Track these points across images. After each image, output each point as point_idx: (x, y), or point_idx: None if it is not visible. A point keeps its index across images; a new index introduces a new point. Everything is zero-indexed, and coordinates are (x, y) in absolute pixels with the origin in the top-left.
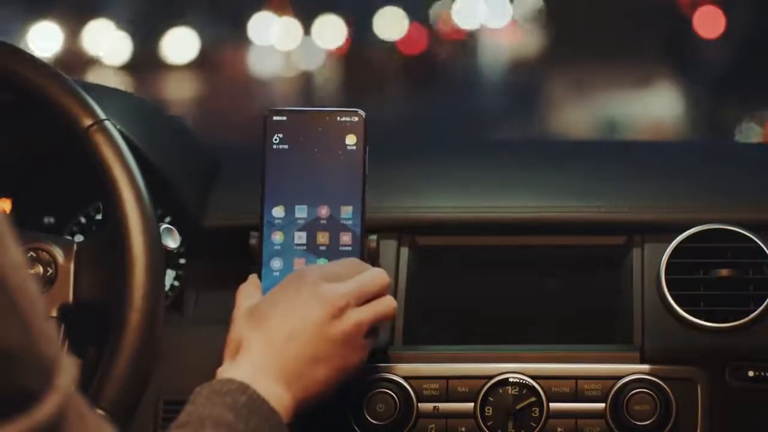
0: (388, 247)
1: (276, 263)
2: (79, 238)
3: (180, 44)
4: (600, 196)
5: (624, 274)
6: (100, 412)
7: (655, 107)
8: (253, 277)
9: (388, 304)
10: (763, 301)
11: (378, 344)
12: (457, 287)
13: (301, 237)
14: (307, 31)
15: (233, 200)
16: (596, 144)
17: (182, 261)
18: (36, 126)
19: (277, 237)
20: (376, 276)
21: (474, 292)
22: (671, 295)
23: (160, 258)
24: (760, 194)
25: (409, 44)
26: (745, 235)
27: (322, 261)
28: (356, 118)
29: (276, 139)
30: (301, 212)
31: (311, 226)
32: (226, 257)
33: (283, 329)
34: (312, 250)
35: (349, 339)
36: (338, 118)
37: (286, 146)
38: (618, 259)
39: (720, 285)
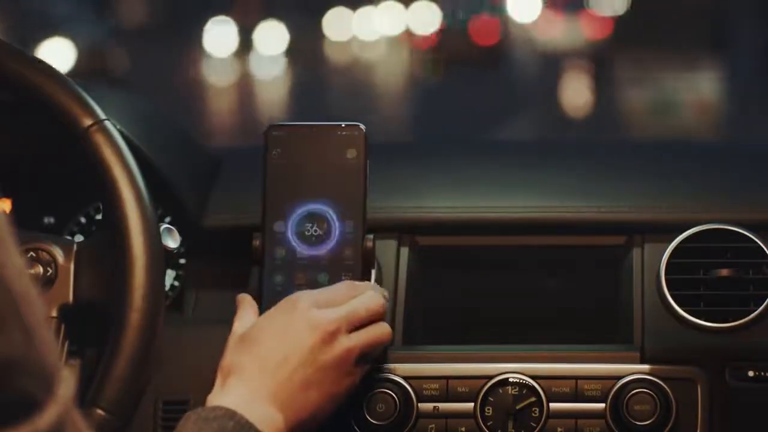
0: (388, 247)
1: (278, 278)
2: (79, 238)
3: (56, 54)
4: (600, 196)
5: (624, 274)
6: (100, 412)
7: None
8: (248, 300)
9: (381, 331)
10: (763, 301)
11: (376, 365)
12: (457, 287)
13: (303, 247)
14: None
15: (233, 200)
16: (596, 144)
17: (182, 261)
18: (36, 126)
19: (279, 251)
20: (369, 300)
21: (474, 292)
22: (671, 295)
23: (160, 258)
24: (760, 194)
25: (483, 35)
26: (745, 235)
27: (323, 275)
28: (357, 132)
29: (276, 154)
30: (304, 224)
31: (314, 237)
32: (226, 257)
33: (274, 354)
34: (314, 264)
35: (340, 364)
36: (339, 132)
37: (286, 161)
38: (618, 259)
39: (720, 285)
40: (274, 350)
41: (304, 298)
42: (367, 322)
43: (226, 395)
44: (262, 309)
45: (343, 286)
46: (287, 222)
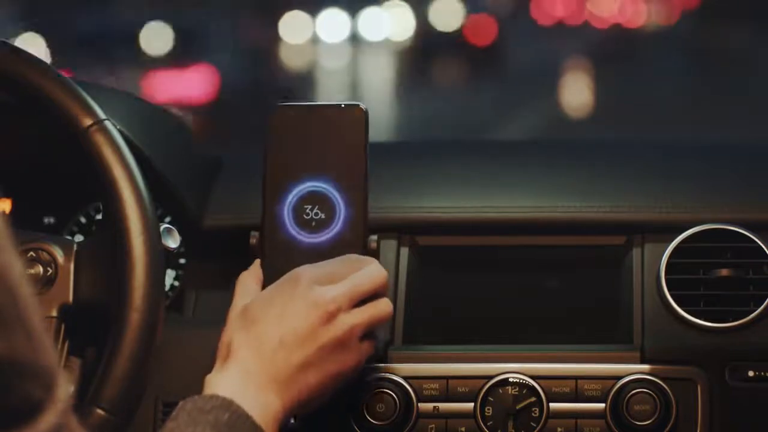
0: (388, 247)
1: (278, 265)
2: (79, 238)
3: None
4: (600, 196)
5: (624, 274)
6: (100, 411)
7: None
8: (255, 268)
9: (383, 307)
10: (763, 301)
11: (379, 346)
12: (457, 287)
13: (303, 232)
14: None
15: (233, 200)
16: (596, 144)
17: (182, 261)
18: (36, 126)
19: (280, 237)
20: (371, 275)
21: (474, 292)
22: (671, 295)
23: (160, 258)
24: (760, 194)
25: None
26: (745, 235)
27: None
28: (357, 112)
29: (277, 135)
30: (305, 207)
31: (314, 222)
32: (226, 257)
33: (273, 336)
34: (315, 250)
35: (342, 343)
36: (339, 112)
37: (287, 141)
38: (618, 259)
39: (720, 285)
40: (272, 332)
41: (305, 274)
42: (370, 298)
43: (223, 378)
44: (263, 285)
45: (346, 261)
46: (287, 204)
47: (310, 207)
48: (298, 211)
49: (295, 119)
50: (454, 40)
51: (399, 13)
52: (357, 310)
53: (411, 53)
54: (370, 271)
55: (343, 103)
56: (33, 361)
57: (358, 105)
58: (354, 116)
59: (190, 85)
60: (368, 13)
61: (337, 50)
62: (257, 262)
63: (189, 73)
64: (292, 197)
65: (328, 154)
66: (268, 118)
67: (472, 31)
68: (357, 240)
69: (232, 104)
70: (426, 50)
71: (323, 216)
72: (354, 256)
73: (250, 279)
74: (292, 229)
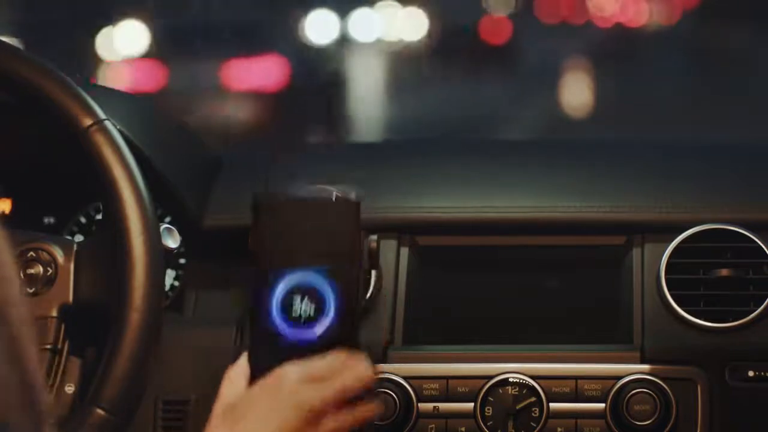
0: (388, 247)
1: (265, 359)
2: (79, 238)
3: None
4: (600, 196)
5: (624, 274)
6: (100, 411)
7: None
8: (242, 364)
9: (372, 409)
10: (763, 301)
11: None
12: (457, 287)
13: (291, 327)
14: None
15: (233, 200)
16: (596, 144)
17: (182, 261)
18: (36, 126)
19: (267, 327)
20: (359, 374)
21: (474, 292)
22: (671, 295)
23: (160, 258)
24: (760, 194)
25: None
26: (745, 235)
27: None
28: (349, 203)
29: (265, 225)
30: (293, 300)
31: (302, 316)
32: (226, 257)
33: None
34: (304, 347)
35: None
36: (330, 203)
37: (275, 231)
38: (618, 259)
39: (720, 285)
40: None
41: (291, 375)
42: (358, 396)
43: None
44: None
45: (335, 360)
46: (275, 298)
47: (299, 300)
48: (286, 304)
49: (284, 209)
50: (470, 39)
51: (410, 12)
52: (343, 413)
53: (421, 52)
54: (358, 371)
55: (334, 194)
56: (21, 394)
57: (350, 196)
58: (346, 207)
59: (263, 74)
60: (358, 14)
61: (329, 51)
62: (245, 356)
63: (261, 63)
64: (280, 290)
65: (318, 246)
66: (255, 208)
67: (487, 29)
68: (347, 335)
69: (304, 92)
70: (441, 49)
71: (312, 310)
72: (343, 355)
73: (237, 375)
74: (280, 324)
